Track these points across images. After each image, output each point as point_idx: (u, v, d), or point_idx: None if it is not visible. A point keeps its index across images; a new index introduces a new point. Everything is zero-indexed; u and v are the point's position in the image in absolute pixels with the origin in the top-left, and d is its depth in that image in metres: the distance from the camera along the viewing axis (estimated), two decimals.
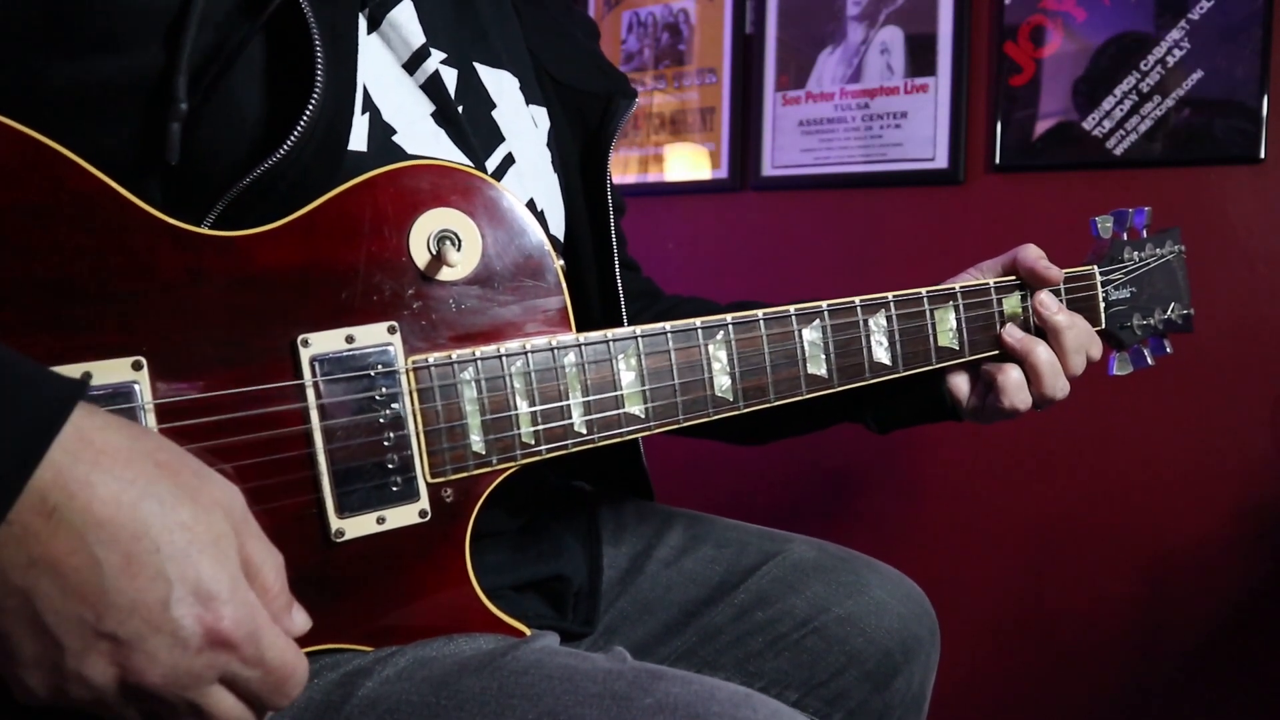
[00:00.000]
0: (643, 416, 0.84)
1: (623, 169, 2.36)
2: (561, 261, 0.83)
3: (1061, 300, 1.05)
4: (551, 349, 0.79)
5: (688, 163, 2.29)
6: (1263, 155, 1.71)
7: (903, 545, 2.05)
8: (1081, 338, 1.03)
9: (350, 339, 0.71)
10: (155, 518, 0.54)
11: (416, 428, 0.74)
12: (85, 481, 0.53)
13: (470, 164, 0.84)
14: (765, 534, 1.10)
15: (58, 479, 0.52)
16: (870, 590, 1.04)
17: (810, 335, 0.92)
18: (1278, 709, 1.73)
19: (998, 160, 1.94)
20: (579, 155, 1.02)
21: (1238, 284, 1.75)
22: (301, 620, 0.62)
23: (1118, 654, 1.87)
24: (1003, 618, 1.97)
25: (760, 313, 0.89)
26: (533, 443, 0.79)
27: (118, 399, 0.63)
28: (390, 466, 0.72)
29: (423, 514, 0.74)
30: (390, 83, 0.82)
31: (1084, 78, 1.85)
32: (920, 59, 2.01)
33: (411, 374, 0.74)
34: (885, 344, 0.96)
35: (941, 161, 1.98)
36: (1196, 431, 1.79)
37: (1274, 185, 1.72)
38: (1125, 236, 1.12)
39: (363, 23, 0.80)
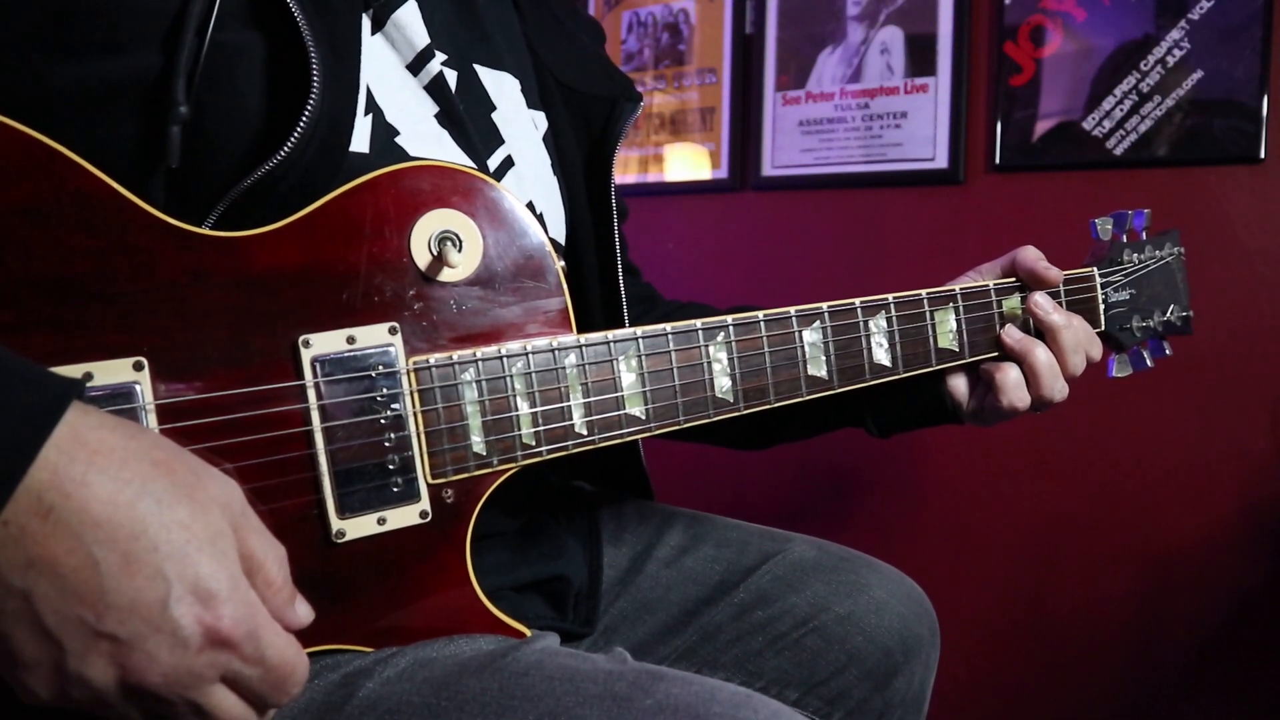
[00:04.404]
0: (643, 418, 0.84)
1: (623, 169, 2.36)
2: (562, 263, 0.83)
3: (1061, 302, 1.05)
4: (552, 350, 0.79)
5: (688, 163, 2.29)
6: (1263, 155, 1.71)
7: (903, 545, 2.05)
8: (1079, 337, 1.03)
9: (351, 340, 0.71)
10: (153, 516, 0.54)
11: (417, 428, 0.74)
12: (81, 481, 0.53)
13: (472, 165, 0.84)
14: (765, 533, 1.10)
15: (53, 479, 0.52)
16: (870, 590, 1.04)
17: (810, 337, 0.92)
18: (1278, 709, 1.73)
19: (998, 160, 1.94)
20: (583, 159, 1.02)
21: (1237, 284, 1.75)
22: (305, 613, 0.62)
23: (1118, 654, 1.87)
24: (1003, 618, 1.97)
25: (761, 314, 0.89)
26: (533, 443, 0.79)
27: (118, 399, 0.63)
28: (391, 467, 0.72)
29: (423, 515, 0.74)
30: (394, 84, 0.82)
31: (1084, 78, 1.85)
32: (920, 59, 2.01)
33: (412, 375, 0.74)
34: (885, 345, 0.97)
35: (941, 161, 1.99)
36: (1196, 432, 1.79)
37: (1274, 185, 1.72)
38: (1125, 238, 1.12)
39: (366, 24, 0.80)
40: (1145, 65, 1.80)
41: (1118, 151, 1.83)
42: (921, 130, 2.01)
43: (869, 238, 2.09)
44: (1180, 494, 1.81)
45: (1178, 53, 1.77)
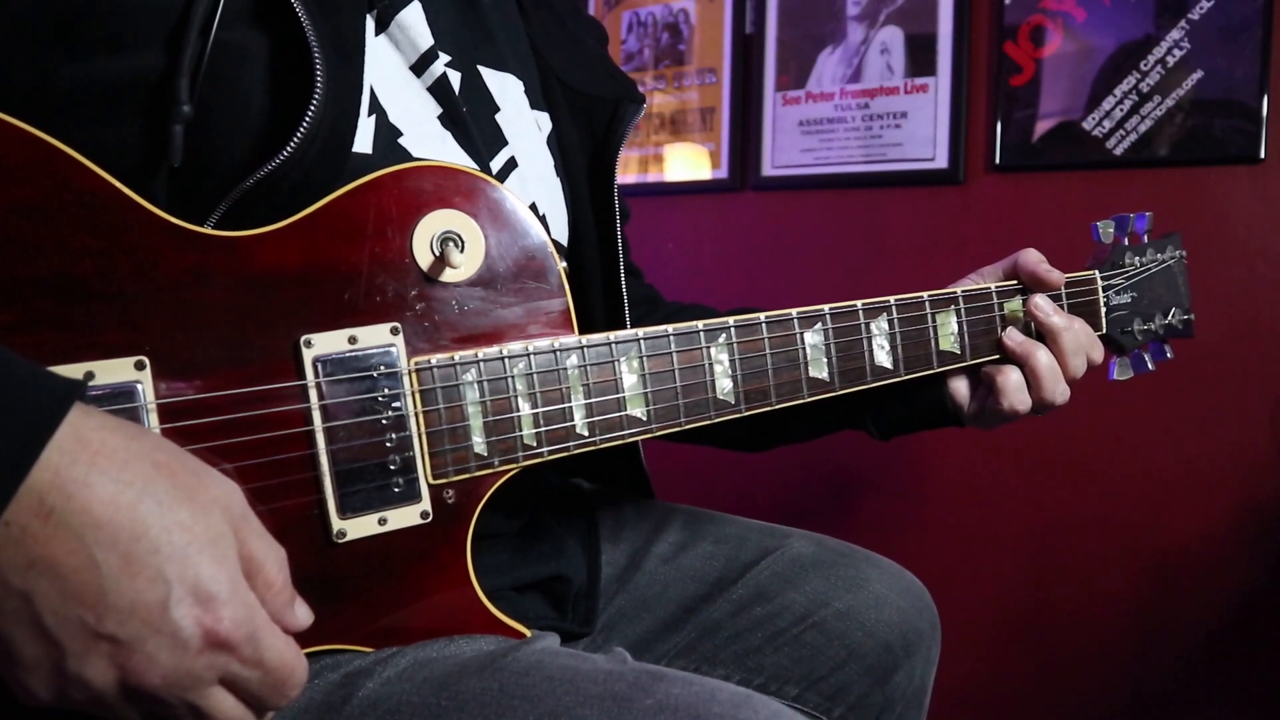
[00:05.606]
0: (644, 419, 0.84)
1: (623, 169, 2.34)
2: (564, 263, 0.83)
3: (1062, 305, 1.05)
4: (554, 351, 0.79)
5: (688, 163, 2.29)
6: (1263, 155, 1.71)
7: (904, 543, 2.05)
8: (1080, 340, 1.03)
9: (353, 340, 0.71)
10: (154, 518, 0.54)
11: (419, 429, 0.74)
12: (83, 482, 0.52)
13: (475, 166, 0.84)
14: (764, 529, 1.10)
15: (55, 480, 0.52)
16: (870, 584, 1.04)
17: (812, 338, 0.92)
18: (1278, 709, 1.74)
19: (998, 160, 1.94)
20: (586, 160, 1.02)
21: (1238, 284, 1.75)
22: (304, 615, 0.62)
23: (1119, 651, 1.87)
24: (1004, 615, 1.97)
25: (762, 315, 0.89)
26: (535, 444, 0.79)
27: (120, 399, 0.63)
28: (392, 467, 0.72)
29: (424, 515, 0.74)
30: (398, 85, 0.82)
31: (1084, 78, 1.85)
32: (920, 59, 2.01)
33: (414, 375, 0.73)
34: (887, 347, 0.96)
35: (941, 161, 1.98)
36: (1196, 431, 1.79)
37: (1274, 185, 1.72)
38: (1126, 241, 1.12)
39: (370, 24, 0.80)
40: (1145, 65, 1.80)
41: (1118, 151, 1.83)
42: (921, 130, 2.01)
43: (869, 238, 2.09)
44: (1181, 493, 1.81)
45: (1178, 53, 1.77)
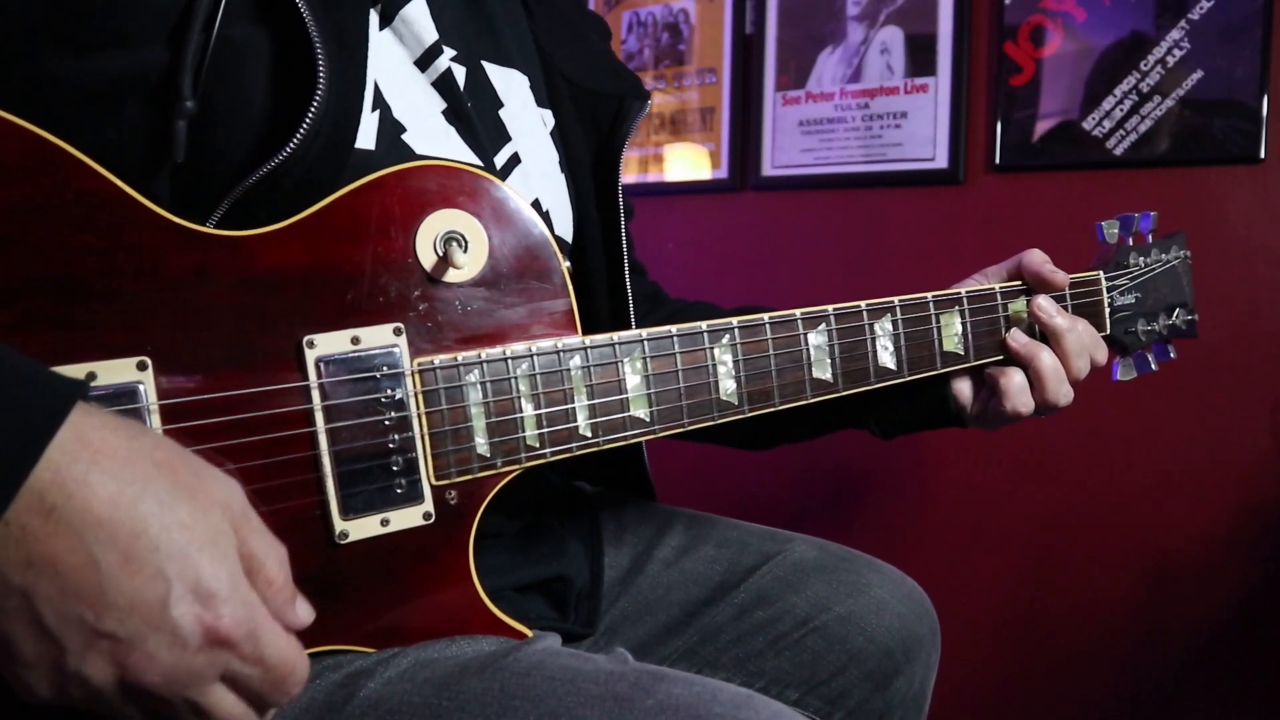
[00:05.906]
0: (647, 420, 0.83)
1: (623, 169, 2.35)
2: (568, 263, 0.83)
3: (1066, 306, 1.05)
4: (557, 352, 0.79)
5: (688, 163, 2.29)
6: (1263, 155, 1.71)
7: (904, 545, 2.05)
8: (1084, 341, 1.02)
9: (356, 340, 0.71)
10: (154, 516, 0.54)
11: (421, 430, 0.73)
12: (83, 481, 0.52)
13: (479, 164, 0.84)
14: (766, 533, 1.10)
15: (56, 479, 0.52)
16: (871, 590, 1.04)
17: (816, 339, 0.92)
18: (1278, 709, 1.74)
19: (998, 160, 1.94)
20: (590, 157, 1.02)
21: (1238, 284, 1.75)
22: (305, 613, 0.62)
23: (1118, 654, 1.87)
24: (1003, 618, 1.97)
25: (766, 316, 0.89)
26: (537, 445, 0.78)
27: (122, 399, 0.63)
28: (395, 468, 0.72)
29: (426, 516, 0.74)
30: (402, 80, 0.81)
31: (1084, 78, 1.85)
32: (920, 59, 2.01)
33: (417, 376, 0.73)
34: (890, 348, 0.96)
35: (941, 161, 1.98)
36: (1197, 432, 1.79)
37: (1274, 185, 1.72)
38: (1131, 241, 1.11)
39: (374, 19, 0.80)
40: (1145, 65, 1.80)
41: (1118, 151, 1.83)
42: (921, 130, 2.01)
43: (869, 238, 2.08)
44: (1181, 494, 1.81)
45: (1178, 53, 1.77)
